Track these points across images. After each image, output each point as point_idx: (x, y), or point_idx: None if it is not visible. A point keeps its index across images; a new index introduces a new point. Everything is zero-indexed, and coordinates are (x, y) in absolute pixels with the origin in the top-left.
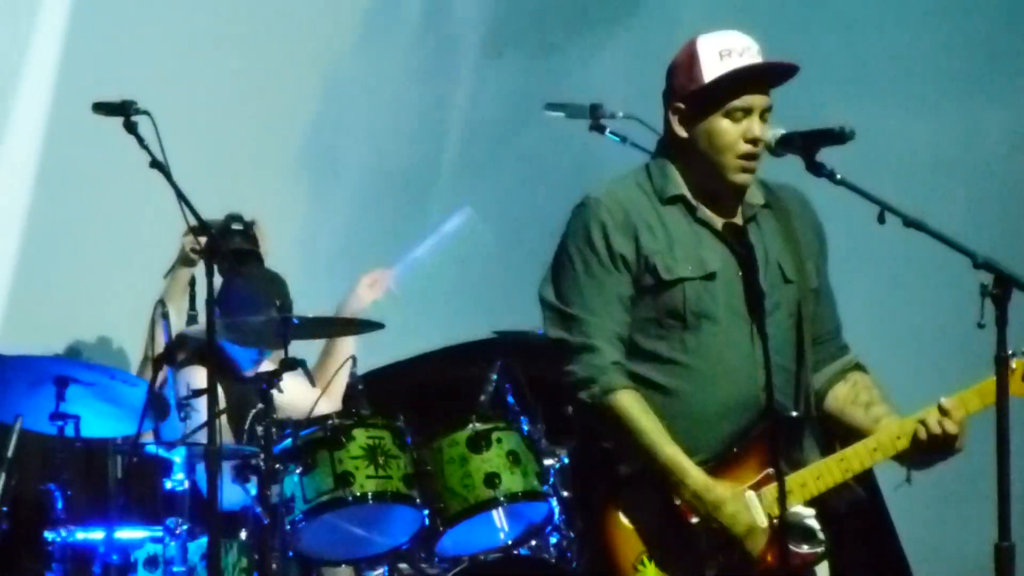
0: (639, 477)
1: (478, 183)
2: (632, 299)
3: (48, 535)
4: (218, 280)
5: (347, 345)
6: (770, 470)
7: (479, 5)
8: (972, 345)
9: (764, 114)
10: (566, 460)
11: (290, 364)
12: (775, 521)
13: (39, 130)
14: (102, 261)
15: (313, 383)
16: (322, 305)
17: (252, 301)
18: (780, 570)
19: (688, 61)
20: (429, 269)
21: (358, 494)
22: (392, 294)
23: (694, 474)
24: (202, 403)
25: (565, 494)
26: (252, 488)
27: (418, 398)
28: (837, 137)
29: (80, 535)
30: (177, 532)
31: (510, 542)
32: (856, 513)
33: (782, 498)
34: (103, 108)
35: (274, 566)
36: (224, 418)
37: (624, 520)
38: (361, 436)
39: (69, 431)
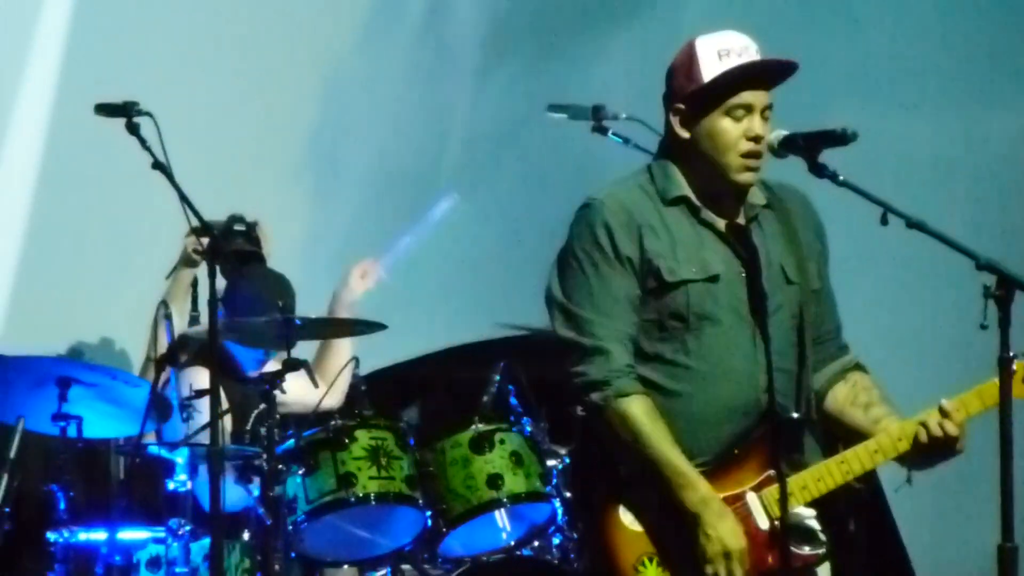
0: (640, 478)
1: (480, 184)
2: (638, 300)
3: (50, 536)
4: (221, 281)
5: (343, 338)
6: (771, 472)
7: (480, 6)
8: (974, 347)
9: (765, 112)
10: (569, 461)
11: (293, 365)
12: (776, 523)
13: (41, 131)
14: (104, 262)
15: (316, 384)
16: (324, 306)
17: (258, 302)
18: (781, 571)
19: (687, 62)
20: (430, 269)
21: (360, 495)
22: (384, 283)
23: (701, 484)
24: (204, 404)
25: (568, 495)
26: (255, 489)
27: (420, 399)
28: (839, 139)
29: (82, 536)
30: (180, 533)
31: (513, 543)
32: (858, 514)
33: (783, 500)
34: (105, 109)
35: (277, 567)
36: (226, 418)
37: (625, 521)
38: (363, 437)
39: (71, 432)
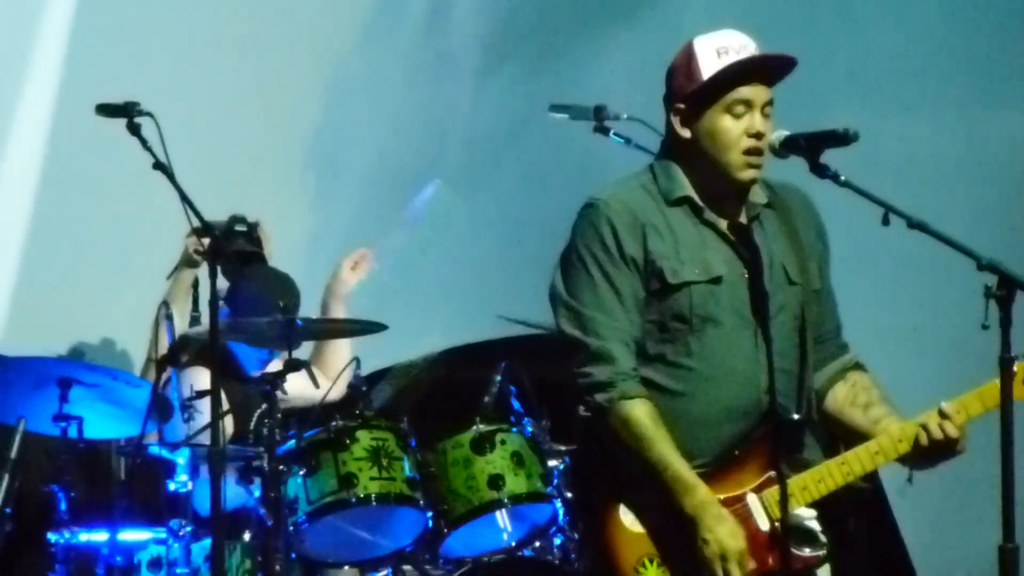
0: (640, 479)
1: (481, 184)
2: (642, 301)
3: (52, 536)
4: (222, 282)
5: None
6: (771, 473)
7: (481, 7)
8: (975, 347)
9: (766, 109)
10: (570, 461)
11: (294, 365)
12: (777, 524)
13: (43, 131)
14: (105, 262)
15: (317, 385)
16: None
17: (261, 302)
18: (782, 573)
19: (686, 61)
20: (431, 270)
21: (362, 496)
22: (376, 275)
23: (701, 489)
24: (205, 404)
25: (569, 495)
26: (255, 490)
27: (422, 400)
28: (841, 139)
29: (84, 536)
30: (181, 534)
31: (514, 544)
32: (859, 514)
33: (784, 501)
34: (106, 110)
35: (278, 568)
36: (228, 418)
37: (626, 522)
38: (365, 438)
39: (72, 432)
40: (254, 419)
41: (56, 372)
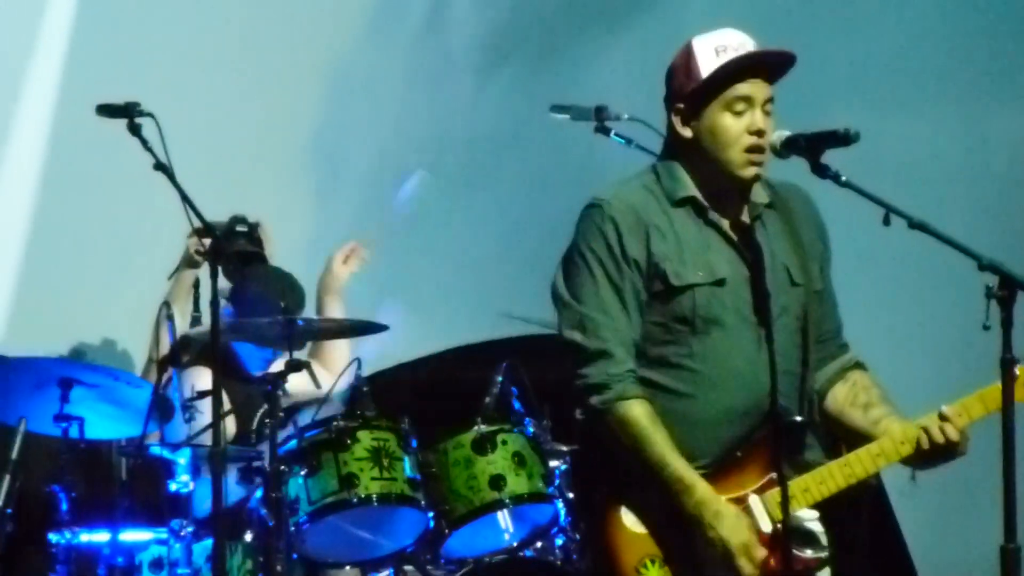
0: (640, 479)
1: (482, 185)
2: (644, 303)
3: (53, 537)
4: (223, 282)
5: (336, 315)
6: (773, 474)
7: (482, 7)
8: (977, 347)
9: (766, 106)
10: (571, 461)
11: (295, 366)
12: (778, 526)
13: (43, 132)
14: (106, 263)
15: (318, 385)
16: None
17: (264, 302)
18: (783, 574)
19: (685, 61)
20: (432, 271)
21: (363, 496)
22: (372, 269)
23: (700, 486)
24: (206, 405)
25: (571, 496)
26: (257, 490)
27: (423, 400)
28: (842, 139)
29: (85, 537)
30: (182, 534)
31: (515, 544)
32: (860, 514)
33: (785, 502)
34: (107, 110)
35: (279, 568)
36: (229, 419)
37: (627, 522)
38: (366, 438)
39: (73, 433)
40: (255, 419)
41: (57, 372)
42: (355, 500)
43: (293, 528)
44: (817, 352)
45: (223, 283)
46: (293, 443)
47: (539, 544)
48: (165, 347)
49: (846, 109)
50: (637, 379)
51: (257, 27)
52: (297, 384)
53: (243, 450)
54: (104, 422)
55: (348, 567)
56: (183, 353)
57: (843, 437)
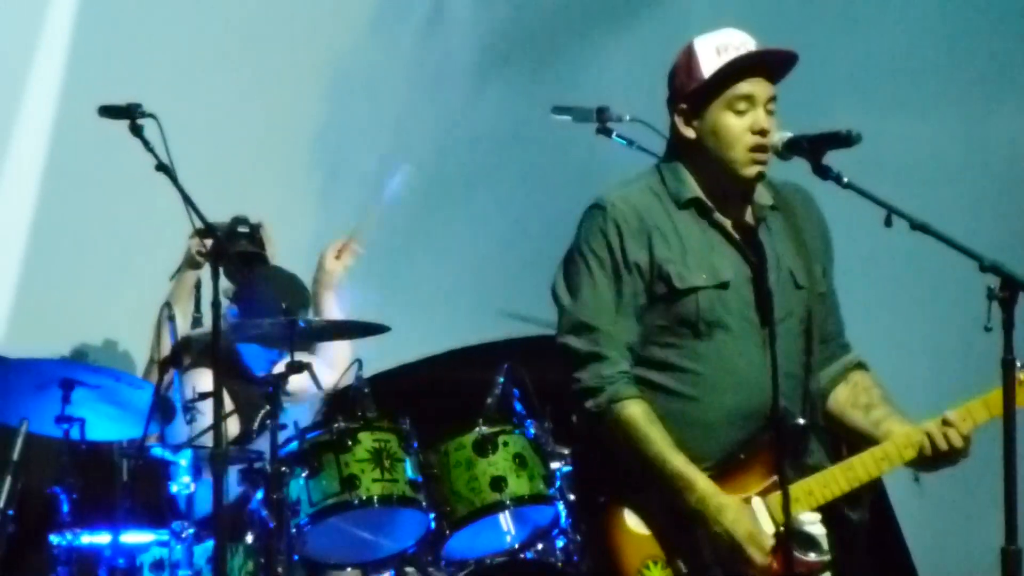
0: (641, 479)
1: (483, 186)
2: (643, 307)
3: (54, 539)
4: (225, 283)
5: (333, 312)
6: (776, 477)
7: (484, 8)
8: (978, 348)
9: (769, 105)
10: (573, 463)
11: (296, 367)
12: (781, 528)
13: (45, 133)
14: (108, 264)
15: (319, 386)
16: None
17: (271, 302)
18: None
19: (687, 61)
20: (434, 272)
21: (364, 497)
22: (361, 257)
23: (700, 482)
24: (208, 406)
25: (572, 497)
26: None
27: (424, 401)
28: (843, 140)
29: (86, 539)
30: (183, 535)
31: (516, 546)
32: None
33: (786, 506)
34: (109, 111)
35: (280, 570)
36: (231, 420)
37: (630, 523)
38: (367, 439)
39: (75, 434)
40: (258, 420)
41: (58, 374)
42: (356, 501)
43: (294, 529)
44: (819, 353)
45: (226, 284)
46: (294, 444)
47: (540, 546)
48: (166, 348)
49: (846, 109)
50: (633, 380)
51: (258, 28)
52: (298, 384)
53: (244, 451)
54: (105, 423)
55: (349, 568)
56: (184, 354)
57: (845, 438)
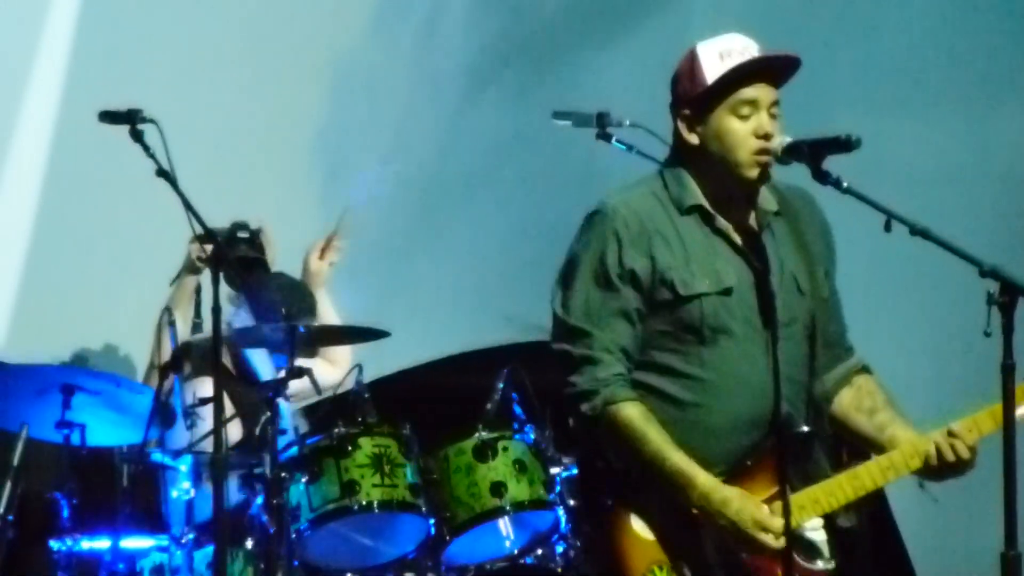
0: (643, 482)
1: (483, 190)
2: (640, 312)
3: (54, 544)
4: (224, 288)
5: (328, 312)
6: (786, 483)
7: (486, 11)
8: (978, 353)
9: (772, 109)
10: (573, 469)
11: (296, 372)
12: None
13: (46, 138)
14: (108, 269)
15: (319, 391)
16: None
17: (281, 308)
18: None
19: (690, 67)
20: (434, 277)
21: (364, 503)
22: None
23: (700, 477)
24: (208, 411)
25: (572, 503)
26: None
27: (424, 406)
28: (843, 145)
29: (86, 544)
30: (183, 541)
31: (516, 551)
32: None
33: (786, 512)
34: (109, 117)
35: (280, 575)
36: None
37: (636, 528)
38: (367, 444)
39: (75, 439)
40: (260, 424)
41: (59, 379)
42: (356, 507)
43: (294, 535)
44: (823, 357)
45: (224, 289)
46: (294, 450)
47: (540, 551)
48: (167, 353)
49: (847, 113)
50: (628, 382)
51: (258, 30)
52: (297, 387)
53: (245, 457)
54: (106, 428)
55: (349, 574)
56: (185, 360)
57: (845, 443)
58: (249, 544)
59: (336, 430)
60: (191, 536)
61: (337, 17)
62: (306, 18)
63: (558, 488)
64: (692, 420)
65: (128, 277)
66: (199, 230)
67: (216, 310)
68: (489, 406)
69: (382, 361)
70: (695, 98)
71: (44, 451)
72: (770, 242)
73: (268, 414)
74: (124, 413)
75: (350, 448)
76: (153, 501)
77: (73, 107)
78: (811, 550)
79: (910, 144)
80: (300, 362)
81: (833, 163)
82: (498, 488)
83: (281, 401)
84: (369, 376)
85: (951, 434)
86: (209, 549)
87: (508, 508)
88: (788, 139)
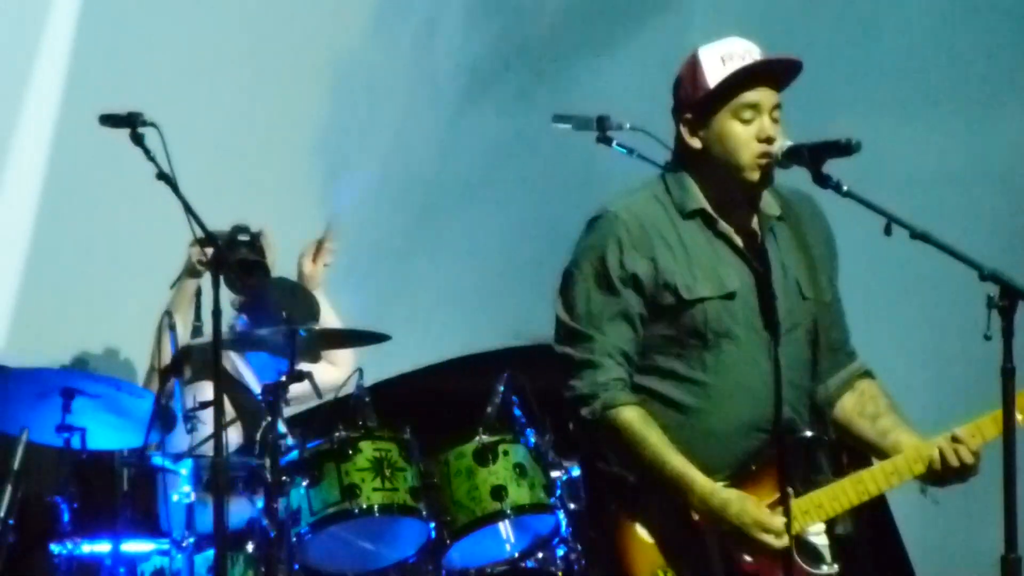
0: (643, 485)
1: (483, 192)
2: (642, 316)
3: (54, 548)
4: (224, 291)
5: (328, 314)
6: (788, 489)
7: (487, 15)
8: (977, 357)
9: (774, 112)
10: (573, 472)
11: (297, 376)
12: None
13: (46, 141)
14: (108, 272)
15: (319, 395)
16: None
17: (282, 312)
18: None
19: (692, 71)
20: (434, 281)
21: (364, 507)
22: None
23: (700, 480)
24: (209, 415)
25: (572, 506)
26: (259, 501)
27: (425, 410)
28: (843, 149)
29: (86, 548)
30: (184, 545)
31: (517, 555)
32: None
33: (787, 517)
34: (110, 120)
35: None
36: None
37: (641, 533)
38: (368, 448)
39: (75, 443)
40: (261, 428)
41: (59, 383)
42: (357, 510)
43: (295, 538)
44: (826, 361)
45: (225, 292)
46: (295, 453)
47: (540, 555)
48: (167, 357)
49: (846, 114)
50: (628, 386)
51: (258, 31)
52: (298, 390)
53: (245, 461)
54: (106, 432)
55: None
56: (185, 363)
57: (845, 447)
58: (250, 548)
59: (337, 434)
60: (191, 540)
61: (337, 18)
62: (306, 19)
63: (558, 492)
64: (694, 424)
65: (128, 280)
66: (199, 233)
67: (216, 314)
68: (489, 410)
69: (382, 365)
70: (697, 102)
71: (44, 455)
72: (772, 246)
73: (269, 419)
74: (124, 417)
75: (351, 452)
76: (153, 505)
77: (73, 110)
78: (814, 554)
79: (910, 146)
80: (301, 366)
81: (833, 165)
82: (499, 492)
83: None
84: (369, 380)
85: (955, 439)
86: (210, 553)
87: (509, 512)
88: (788, 143)
